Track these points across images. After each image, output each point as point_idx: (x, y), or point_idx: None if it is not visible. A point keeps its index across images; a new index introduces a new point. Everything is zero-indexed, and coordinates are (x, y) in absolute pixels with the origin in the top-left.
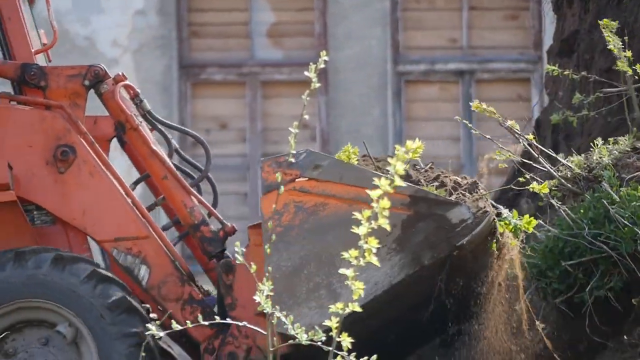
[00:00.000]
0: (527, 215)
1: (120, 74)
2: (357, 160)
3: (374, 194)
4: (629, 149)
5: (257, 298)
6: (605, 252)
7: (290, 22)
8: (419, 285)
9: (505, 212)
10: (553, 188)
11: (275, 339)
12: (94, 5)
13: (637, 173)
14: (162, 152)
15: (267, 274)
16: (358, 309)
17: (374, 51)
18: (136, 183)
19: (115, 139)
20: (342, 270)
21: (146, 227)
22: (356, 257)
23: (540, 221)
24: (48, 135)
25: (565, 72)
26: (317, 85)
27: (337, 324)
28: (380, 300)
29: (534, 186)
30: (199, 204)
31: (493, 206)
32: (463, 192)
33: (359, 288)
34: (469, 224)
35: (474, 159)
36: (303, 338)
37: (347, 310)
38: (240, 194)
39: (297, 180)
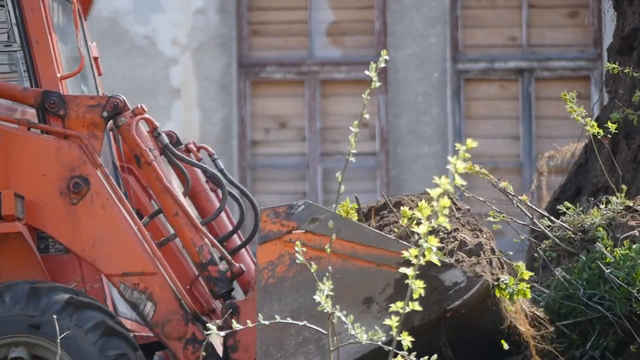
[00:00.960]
0: (525, 284)
1: (140, 106)
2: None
3: (434, 192)
4: (622, 208)
5: (317, 297)
6: (601, 313)
7: (349, 21)
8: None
9: (504, 277)
10: (548, 248)
11: (335, 339)
12: (154, 4)
13: (630, 232)
14: (176, 189)
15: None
16: (418, 308)
17: (433, 49)
18: (151, 217)
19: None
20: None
21: (154, 263)
22: (415, 256)
23: (535, 284)
24: (63, 165)
25: (626, 70)
26: (377, 84)
27: (397, 323)
28: (367, 358)
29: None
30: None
31: (494, 270)
32: (464, 253)
33: (419, 287)
34: (461, 287)
35: (533, 157)
36: (363, 338)
37: (407, 309)
38: (299, 193)
39: (294, 232)
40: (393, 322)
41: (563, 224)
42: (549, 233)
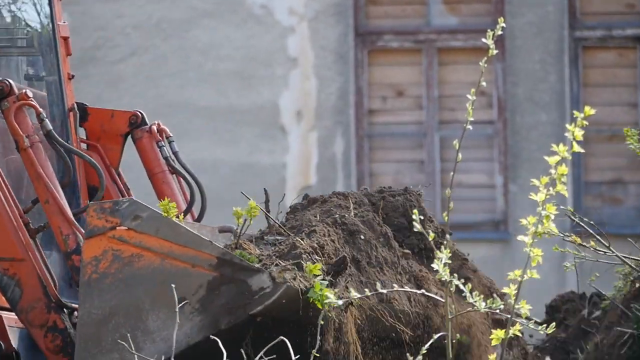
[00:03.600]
0: (327, 289)
1: (24, 91)
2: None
3: (552, 159)
4: None
5: (434, 266)
6: None
7: None
8: (225, 349)
9: (321, 285)
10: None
11: (454, 306)
12: None
13: None
14: (51, 176)
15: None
16: (537, 276)
17: (550, 17)
18: (34, 203)
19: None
20: None
21: (24, 249)
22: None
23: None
24: None
25: None
26: (495, 52)
27: (515, 291)
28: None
29: None
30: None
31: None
32: (278, 257)
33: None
34: (267, 292)
35: None
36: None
37: (526, 277)
38: (417, 161)
39: (117, 228)
40: (511, 290)
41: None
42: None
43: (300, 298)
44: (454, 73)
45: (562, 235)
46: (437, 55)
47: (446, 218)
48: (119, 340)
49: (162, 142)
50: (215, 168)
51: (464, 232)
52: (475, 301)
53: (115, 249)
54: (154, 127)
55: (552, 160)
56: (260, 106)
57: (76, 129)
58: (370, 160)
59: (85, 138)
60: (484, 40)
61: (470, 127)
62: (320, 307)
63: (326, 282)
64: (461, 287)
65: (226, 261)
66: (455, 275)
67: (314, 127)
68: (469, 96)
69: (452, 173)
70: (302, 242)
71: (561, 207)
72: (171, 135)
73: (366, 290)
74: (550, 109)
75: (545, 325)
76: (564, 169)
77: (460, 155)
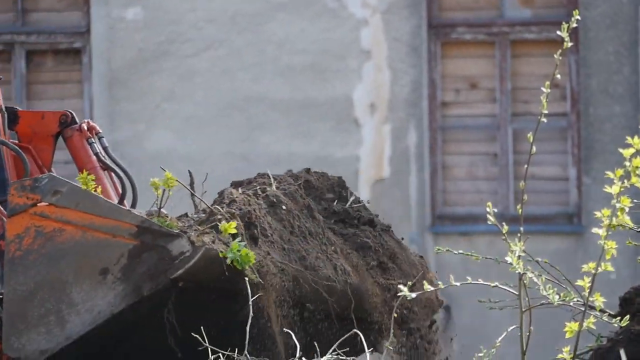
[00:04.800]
0: (247, 250)
1: None
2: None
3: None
4: None
5: (508, 259)
6: None
7: None
8: (148, 318)
9: (239, 245)
10: None
11: (527, 299)
12: None
13: None
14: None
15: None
16: (611, 269)
17: (624, 9)
18: None
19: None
20: None
21: None
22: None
23: None
24: None
25: None
26: (569, 44)
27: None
28: (104, 329)
29: None
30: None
31: (229, 240)
32: (199, 223)
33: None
34: (187, 257)
35: None
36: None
37: (600, 270)
38: (490, 154)
39: (38, 204)
40: (585, 282)
41: None
42: None
43: (219, 260)
44: (527, 65)
45: (636, 228)
46: (510, 47)
47: (520, 210)
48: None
49: (93, 139)
50: (289, 161)
51: (538, 224)
52: (549, 294)
53: (37, 225)
54: (84, 125)
55: (626, 152)
56: (334, 99)
57: (4, 129)
58: (443, 152)
59: (17, 141)
60: (558, 32)
61: (544, 119)
62: (239, 268)
63: (244, 243)
64: (535, 279)
65: (146, 229)
66: (529, 268)
67: (387, 120)
68: (542, 88)
69: (525, 166)
70: (220, 209)
71: (634, 200)
72: (100, 131)
73: (292, 255)
74: (624, 101)
75: (619, 317)
76: (638, 161)
77: (534, 148)
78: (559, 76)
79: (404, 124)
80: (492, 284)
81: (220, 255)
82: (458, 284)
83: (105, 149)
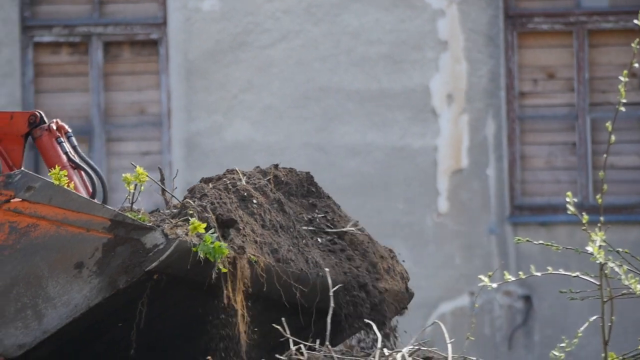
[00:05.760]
0: (219, 243)
1: None
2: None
3: None
4: None
5: (589, 248)
6: None
7: None
8: (124, 311)
9: (212, 238)
10: None
11: (608, 289)
12: None
13: None
14: None
15: None
16: None
17: None
18: None
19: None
20: None
21: None
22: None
23: None
24: None
25: None
26: None
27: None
28: (80, 323)
29: None
30: None
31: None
32: (171, 216)
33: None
34: (160, 249)
35: None
36: (637, 289)
37: None
38: (569, 143)
39: (11, 200)
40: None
41: None
42: None
43: (192, 253)
44: (605, 55)
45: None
46: (587, 37)
47: (600, 200)
48: (20, 309)
49: (62, 139)
50: (366, 152)
51: (616, 214)
52: (631, 284)
53: (11, 221)
54: (53, 125)
55: None
56: (411, 90)
57: None
58: (521, 142)
59: None
60: (635, 21)
61: (622, 108)
62: (211, 260)
63: (216, 235)
64: (616, 269)
65: (119, 222)
66: (609, 258)
67: (465, 110)
68: (620, 78)
69: (604, 155)
70: (192, 202)
71: None
72: (69, 130)
73: (264, 248)
74: None
75: None
76: None
77: (613, 137)
78: (636, 65)
79: (481, 115)
80: (573, 274)
81: (194, 249)
82: (539, 274)
83: (74, 148)
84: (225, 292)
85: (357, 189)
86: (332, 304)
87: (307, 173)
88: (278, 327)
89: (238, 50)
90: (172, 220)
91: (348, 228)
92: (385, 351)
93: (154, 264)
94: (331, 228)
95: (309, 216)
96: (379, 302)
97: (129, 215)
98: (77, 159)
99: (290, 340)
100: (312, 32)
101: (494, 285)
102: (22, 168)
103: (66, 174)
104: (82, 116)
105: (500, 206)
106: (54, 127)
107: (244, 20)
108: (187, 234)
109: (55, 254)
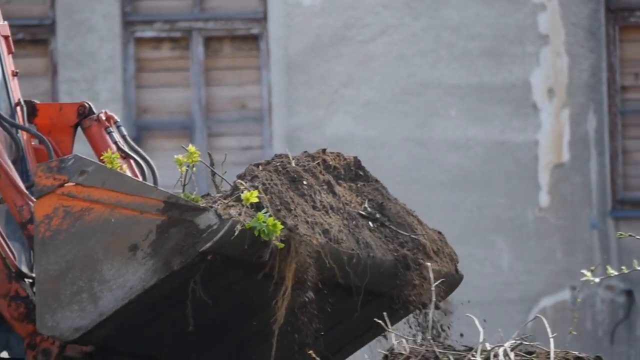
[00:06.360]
0: (273, 219)
1: None
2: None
3: None
4: None
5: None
6: None
7: None
8: (179, 291)
9: (264, 216)
10: None
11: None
12: None
13: None
14: (1, 152)
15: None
16: None
17: None
18: None
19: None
20: None
21: None
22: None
23: None
24: None
25: None
26: None
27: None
28: (136, 305)
29: None
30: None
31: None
32: (224, 197)
33: None
34: (214, 229)
35: None
36: None
37: None
38: None
39: (65, 185)
40: None
41: None
42: None
43: (247, 231)
44: None
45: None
46: None
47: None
48: (76, 293)
49: (111, 129)
50: (467, 147)
51: None
52: None
53: (65, 205)
54: (102, 115)
55: None
56: (512, 84)
57: (24, 122)
58: (623, 137)
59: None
60: None
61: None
62: (265, 238)
63: (269, 213)
64: None
65: (172, 204)
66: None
67: (566, 105)
68: None
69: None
70: (243, 183)
71: None
72: (118, 120)
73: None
74: None
75: None
76: None
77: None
78: None
79: (583, 109)
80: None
81: (247, 226)
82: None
83: (124, 137)
84: (278, 270)
85: (457, 184)
86: (433, 298)
87: (355, 157)
88: (380, 321)
89: (338, 44)
90: (224, 201)
91: (397, 210)
92: (487, 345)
93: (207, 245)
94: (380, 211)
95: (358, 199)
96: (427, 283)
97: (182, 197)
98: (126, 149)
99: (393, 335)
100: (412, 26)
101: (597, 279)
102: None
103: (118, 156)
104: (184, 111)
105: (602, 201)
106: (103, 117)
107: (344, 14)
108: (240, 214)
109: (110, 236)
